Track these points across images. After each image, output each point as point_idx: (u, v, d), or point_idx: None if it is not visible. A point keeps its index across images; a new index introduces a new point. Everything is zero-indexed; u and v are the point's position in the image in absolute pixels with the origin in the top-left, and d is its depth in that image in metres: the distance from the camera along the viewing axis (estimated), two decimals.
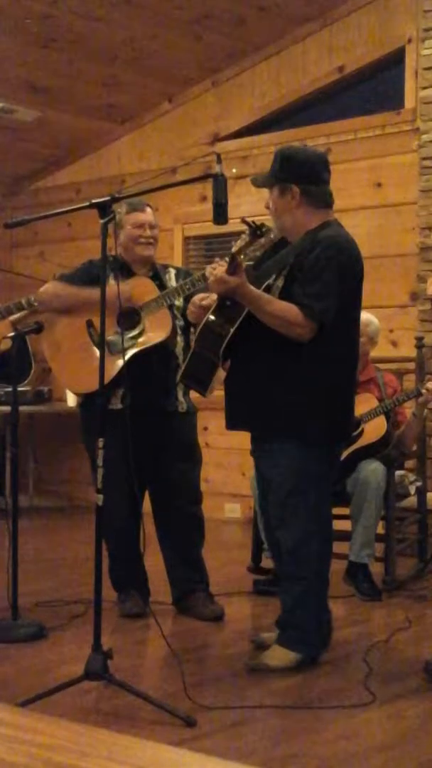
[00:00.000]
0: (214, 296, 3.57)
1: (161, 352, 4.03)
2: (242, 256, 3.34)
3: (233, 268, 3.27)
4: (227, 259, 3.34)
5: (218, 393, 3.67)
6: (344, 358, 3.48)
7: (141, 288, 4.07)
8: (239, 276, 3.27)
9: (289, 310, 3.28)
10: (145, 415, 3.97)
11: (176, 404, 4.13)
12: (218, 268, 3.35)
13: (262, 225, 3.35)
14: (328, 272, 3.31)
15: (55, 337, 4.16)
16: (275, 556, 3.72)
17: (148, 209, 4.18)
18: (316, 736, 2.82)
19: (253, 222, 3.36)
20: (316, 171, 3.50)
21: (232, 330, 3.39)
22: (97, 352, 3.63)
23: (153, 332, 3.99)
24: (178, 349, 4.12)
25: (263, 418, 3.44)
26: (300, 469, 3.39)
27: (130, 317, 3.99)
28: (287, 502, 3.42)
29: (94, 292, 3.79)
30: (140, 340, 4.00)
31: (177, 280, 4.20)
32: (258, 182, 3.56)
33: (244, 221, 3.34)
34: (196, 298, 3.77)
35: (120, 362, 3.84)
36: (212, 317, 3.46)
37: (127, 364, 3.81)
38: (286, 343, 3.32)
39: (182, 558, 4.20)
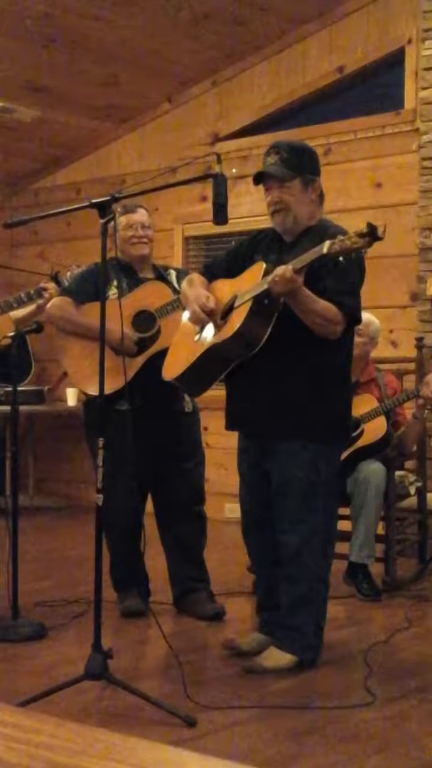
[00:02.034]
0: (210, 302, 3.46)
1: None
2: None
3: (305, 268, 3.16)
4: (291, 265, 3.16)
5: (219, 392, 3.66)
6: (348, 355, 3.53)
7: (155, 292, 4.12)
8: (302, 276, 3.19)
9: (330, 308, 3.28)
10: (151, 415, 4.01)
11: (183, 405, 4.17)
12: (284, 269, 3.16)
13: (385, 228, 2.99)
14: (354, 271, 3.35)
15: (70, 338, 4.20)
16: (261, 565, 3.65)
17: (140, 210, 4.22)
18: (316, 737, 2.82)
19: (378, 227, 2.96)
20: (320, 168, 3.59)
21: (269, 329, 3.29)
22: (112, 353, 3.68)
23: (169, 335, 4.02)
24: None
25: (279, 418, 3.40)
26: (315, 469, 3.38)
27: (146, 321, 4.05)
28: (301, 502, 3.39)
29: (92, 323, 3.90)
30: (156, 343, 4.04)
31: (177, 281, 4.23)
32: (279, 172, 3.42)
33: (369, 224, 2.98)
34: (202, 300, 3.53)
35: (133, 365, 3.93)
36: (249, 317, 3.28)
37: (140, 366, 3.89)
38: (298, 342, 3.32)
39: (184, 557, 4.21)
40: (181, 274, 4.32)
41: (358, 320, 3.41)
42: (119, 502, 3.77)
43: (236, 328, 3.31)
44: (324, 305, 3.26)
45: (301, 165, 3.45)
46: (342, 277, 3.31)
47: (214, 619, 4.08)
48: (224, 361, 3.43)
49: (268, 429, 3.46)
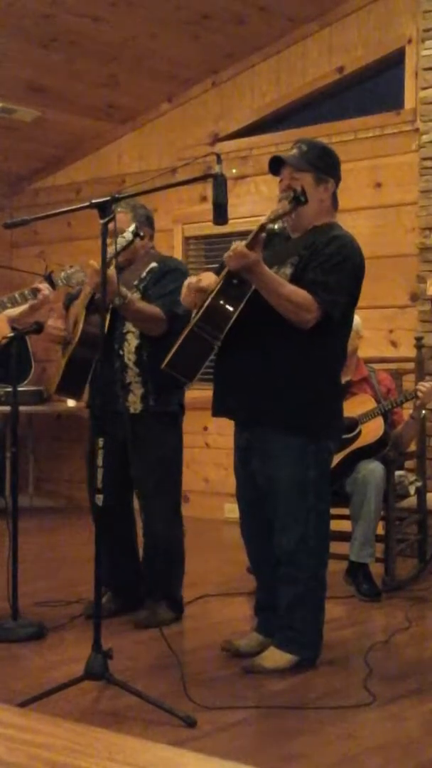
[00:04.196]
0: (206, 279, 3.49)
1: (104, 351, 3.97)
2: (264, 234, 3.27)
3: (255, 242, 3.22)
4: (245, 241, 3.23)
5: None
6: (341, 354, 3.54)
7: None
8: (257, 252, 3.23)
9: (300, 293, 3.26)
10: (105, 415, 3.82)
11: (125, 405, 3.94)
12: (237, 243, 3.24)
13: (305, 192, 3.26)
14: (344, 270, 3.34)
15: None
16: (259, 566, 3.64)
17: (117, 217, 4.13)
18: (316, 737, 2.82)
19: (299, 189, 3.27)
20: (341, 174, 3.58)
21: (237, 311, 3.31)
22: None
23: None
24: (130, 347, 3.99)
25: (265, 410, 3.39)
26: (305, 466, 3.37)
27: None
28: (292, 501, 3.38)
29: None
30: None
31: (150, 276, 4.11)
32: (293, 160, 3.46)
33: (291, 188, 3.28)
34: (192, 279, 3.56)
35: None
36: (217, 297, 3.32)
37: (74, 362, 3.94)
38: (286, 335, 3.30)
39: (124, 564, 4.16)
40: (169, 269, 4.14)
41: (334, 316, 3.32)
42: (91, 501, 3.70)
43: (204, 306, 3.36)
44: (292, 289, 3.26)
45: (317, 161, 3.48)
46: (324, 271, 3.31)
47: (137, 626, 3.96)
48: (203, 344, 3.38)
49: (254, 416, 3.44)
